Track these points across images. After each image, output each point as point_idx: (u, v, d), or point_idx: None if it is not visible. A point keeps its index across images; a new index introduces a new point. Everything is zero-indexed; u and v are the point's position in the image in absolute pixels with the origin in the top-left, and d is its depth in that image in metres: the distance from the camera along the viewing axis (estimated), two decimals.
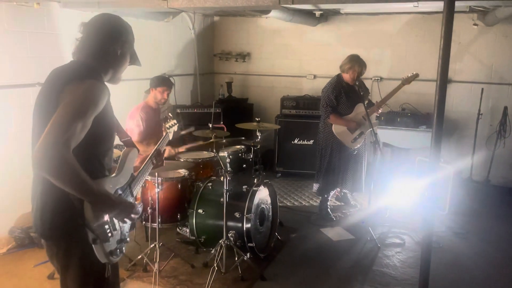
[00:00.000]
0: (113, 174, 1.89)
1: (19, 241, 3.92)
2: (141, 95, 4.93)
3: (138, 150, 2.13)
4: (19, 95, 3.95)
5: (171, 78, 4.52)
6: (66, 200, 1.66)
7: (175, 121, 2.73)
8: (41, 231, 1.79)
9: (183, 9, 5.08)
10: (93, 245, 1.69)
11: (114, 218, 1.77)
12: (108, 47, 1.86)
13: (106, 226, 1.73)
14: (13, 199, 3.99)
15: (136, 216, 1.81)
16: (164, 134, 2.62)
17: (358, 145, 4.58)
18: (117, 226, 1.81)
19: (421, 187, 4.48)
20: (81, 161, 1.62)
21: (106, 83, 1.90)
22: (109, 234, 1.75)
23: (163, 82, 4.13)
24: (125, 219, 1.80)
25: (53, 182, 1.55)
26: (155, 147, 2.38)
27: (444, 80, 2.84)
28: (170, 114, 2.79)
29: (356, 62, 4.42)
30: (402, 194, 4.92)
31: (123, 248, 1.88)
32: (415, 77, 4.40)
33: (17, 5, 3.87)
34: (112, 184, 1.83)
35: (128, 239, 1.90)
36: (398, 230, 4.40)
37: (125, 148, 2.07)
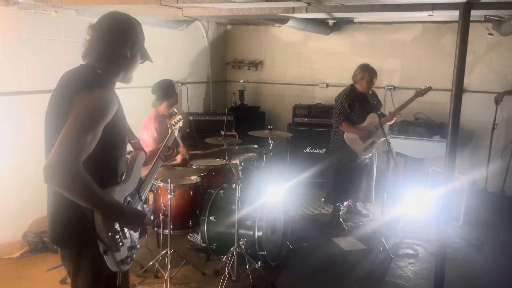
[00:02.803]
0: (122, 180, 1.88)
1: (32, 246, 3.95)
2: None
3: (146, 153, 2.12)
4: (35, 101, 4.01)
5: (177, 83, 4.52)
6: (77, 209, 1.66)
7: (180, 116, 2.66)
8: (52, 237, 1.81)
9: (198, 18, 5.14)
10: (104, 256, 1.69)
11: (125, 228, 1.77)
12: (117, 50, 1.82)
13: (117, 237, 1.73)
14: (27, 204, 4.04)
15: (147, 225, 1.81)
16: (169, 131, 2.56)
17: (369, 154, 4.56)
18: (127, 235, 1.81)
19: (435, 197, 4.45)
20: (94, 170, 1.63)
21: (119, 82, 1.89)
22: (120, 244, 1.74)
23: (172, 88, 4.15)
24: (136, 228, 1.80)
25: (64, 194, 1.56)
26: (162, 145, 2.34)
27: (459, 90, 2.83)
28: (175, 109, 2.76)
29: (366, 71, 4.45)
30: (416, 204, 4.87)
31: (134, 255, 1.87)
32: (428, 90, 4.43)
33: (35, 12, 3.94)
34: (121, 193, 1.81)
35: (138, 245, 1.90)
36: (411, 241, 4.35)
37: (133, 151, 2.05)
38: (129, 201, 1.86)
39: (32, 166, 4.03)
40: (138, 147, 2.12)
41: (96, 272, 1.77)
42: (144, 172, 2.07)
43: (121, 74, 1.88)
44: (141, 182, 2.00)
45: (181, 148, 4.05)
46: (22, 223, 4.06)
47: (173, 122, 2.62)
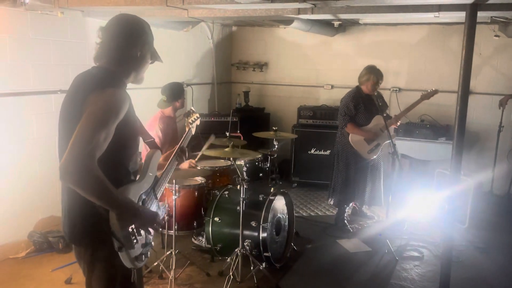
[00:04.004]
0: (137, 179, 1.90)
1: (38, 246, 3.96)
2: None
3: (162, 151, 2.12)
4: (41, 102, 4.04)
5: (183, 84, 4.53)
6: (92, 207, 1.68)
7: (197, 115, 2.65)
8: (68, 235, 1.83)
9: (203, 19, 5.15)
10: (119, 253, 1.71)
11: (138, 228, 1.79)
12: (127, 51, 1.85)
13: (131, 234, 1.74)
14: (33, 204, 4.05)
15: (159, 225, 1.83)
16: (187, 129, 2.56)
17: (374, 156, 4.54)
18: (142, 232, 1.82)
19: (441, 199, 4.43)
20: (107, 169, 1.64)
21: (131, 83, 1.92)
22: (134, 241, 1.76)
23: (182, 91, 4.18)
24: (149, 228, 1.82)
25: (79, 192, 1.58)
26: (179, 144, 2.34)
27: (465, 92, 2.82)
28: (193, 108, 2.75)
29: (372, 72, 4.43)
30: (421, 206, 4.85)
31: (148, 253, 1.89)
32: (434, 93, 4.40)
33: (41, 14, 3.97)
34: (136, 190, 1.83)
35: (152, 243, 1.92)
36: (417, 243, 4.32)
37: (149, 150, 2.06)
38: (144, 199, 1.87)
39: (38, 166, 4.05)
40: (153, 146, 2.13)
41: (111, 270, 1.79)
42: (158, 173, 2.08)
43: (132, 75, 1.92)
44: (156, 181, 2.02)
45: (193, 163, 4.05)
46: (28, 223, 4.08)
47: (190, 121, 2.60)
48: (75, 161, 1.53)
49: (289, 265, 3.83)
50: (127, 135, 1.80)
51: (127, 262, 1.75)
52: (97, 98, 1.69)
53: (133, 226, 1.75)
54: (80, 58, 4.29)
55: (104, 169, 1.60)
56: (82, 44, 4.34)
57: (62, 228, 1.85)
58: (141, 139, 2.07)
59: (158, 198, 2.02)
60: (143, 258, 1.84)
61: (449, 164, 2.95)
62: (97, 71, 1.85)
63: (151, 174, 1.95)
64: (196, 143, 5.09)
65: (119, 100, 1.73)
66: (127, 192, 1.76)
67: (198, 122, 2.67)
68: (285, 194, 3.92)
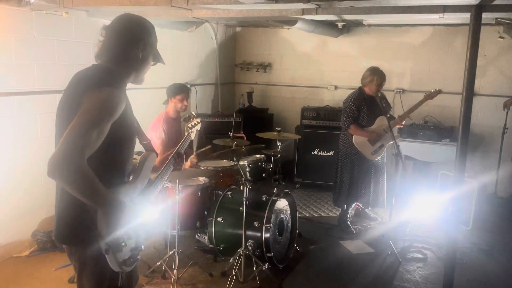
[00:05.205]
0: (130, 180, 1.88)
1: (41, 245, 3.98)
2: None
3: (157, 154, 2.10)
4: (46, 101, 4.05)
5: (186, 84, 4.53)
6: (81, 208, 1.67)
7: (198, 119, 2.62)
8: (57, 235, 1.81)
9: (207, 19, 5.16)
10: (106, 255, 1.68)
11: (128, 227, 1.76)
12: (129, 51, 1.84)
13: (119, 236, 1.71)
14: (37, 203, 4.07)
15: (149, 223, 1.80)
16: (186, 134, 2.52)
17: (378, 157, 4.53)
18: (132, 235, 1.79)
19: (444, 201, 4.41)
20: (100, 169, 1.63)
21: (131, 83, 1.90)
22: (122, 244, 1.73)
23: (180, 89, 4.15)
24: (139, 227, 1.80)
25: (66, 189, 1.56)
26: (176, 148, 2.32)
27: (470, 93, 2.81)
28: (193, 113, 2.72)
29: (375, 74, 4.42)
30: (424, 208, 4.83)
31: (137, 257, 1.85)
32: (438, 93, 4.39)
33: (46, 13, 3.98)
34: (128, 191, 1.81)
35: (142, 247, 1.87)
36: (420, 245, 4.31)
37: (144, 152, 2.04)
38: (136, 201, 1.84)
39: (42, 166, 4.06)
40: (149, 148, 2.11)
41: (100, 270, 1.77)
42: (153, 176, 2.06)
43: (132, 75, 1.90)
44: (150, 183, 1.99)
45: (193, 158, 4.05)
46: (32, 222, 4.10)
47: (189, 125, 2.56)
48: (64, 157, 1.51)
49: (292, 266, 3.83)
50: (122, 136, 1.78)
51: (114, 265, 1.73)
52: (93, 96, 1.67)
53: (122, 228, 1.71)
54: (84, 58, 4.31)
55: (97, 169, 1.59)
56: (86, 44, 4.36)
57: (54, 226, 1.83)
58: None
59: (152, 200, 1.99)
60: (132, 262, 1.81)
61: (453, 165, 2.94)
62: (96, 69, 1.83)
63: (144, 176, 1.92)
64: (198, 143, 5.11)
65: (115, 100, 1.70)
66: (118, 192, 1.74)
67: (198, 127, 2.63)
68: (288, 194, 3.91)
